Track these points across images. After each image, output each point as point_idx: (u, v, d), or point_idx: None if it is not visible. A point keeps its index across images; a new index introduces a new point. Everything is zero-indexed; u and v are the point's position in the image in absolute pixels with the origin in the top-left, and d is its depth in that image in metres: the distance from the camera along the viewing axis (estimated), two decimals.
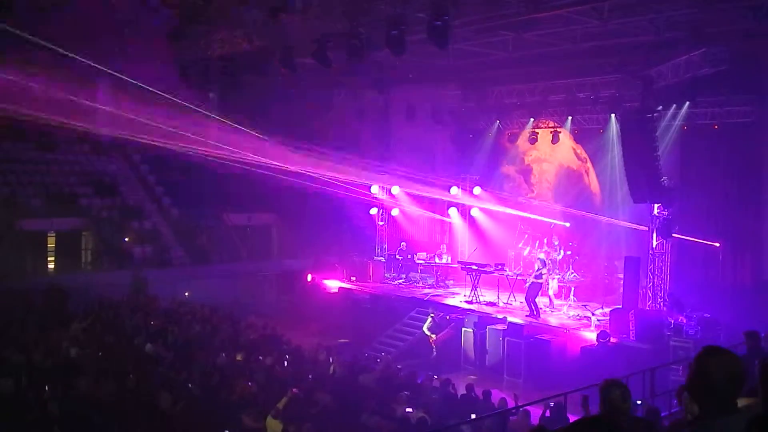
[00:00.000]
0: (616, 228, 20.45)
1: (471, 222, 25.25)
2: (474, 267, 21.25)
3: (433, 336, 18.56)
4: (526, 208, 22.66)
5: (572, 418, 10.51)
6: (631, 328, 16.84)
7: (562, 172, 22.46)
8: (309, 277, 24.99)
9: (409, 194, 25.47)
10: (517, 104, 22.22)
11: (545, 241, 21.24)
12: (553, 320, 18.80)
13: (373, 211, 26.33)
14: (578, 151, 22.07)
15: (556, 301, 20.03)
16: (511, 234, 23.36)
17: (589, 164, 21.98)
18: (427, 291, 22.83)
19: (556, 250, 21.03)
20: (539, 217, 22.23)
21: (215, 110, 26.13)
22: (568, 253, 21.02)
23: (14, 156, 26.16)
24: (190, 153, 22.05)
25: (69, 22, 16.26)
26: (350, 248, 25.79)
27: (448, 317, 18.65)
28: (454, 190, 24.92)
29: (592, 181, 21.89)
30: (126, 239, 25.03)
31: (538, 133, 22.34)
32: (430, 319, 18.79)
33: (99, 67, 18.03)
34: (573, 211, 21.68)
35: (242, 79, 19.76)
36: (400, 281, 24.58)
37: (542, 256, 19.68)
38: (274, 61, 17.90)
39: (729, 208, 19.12)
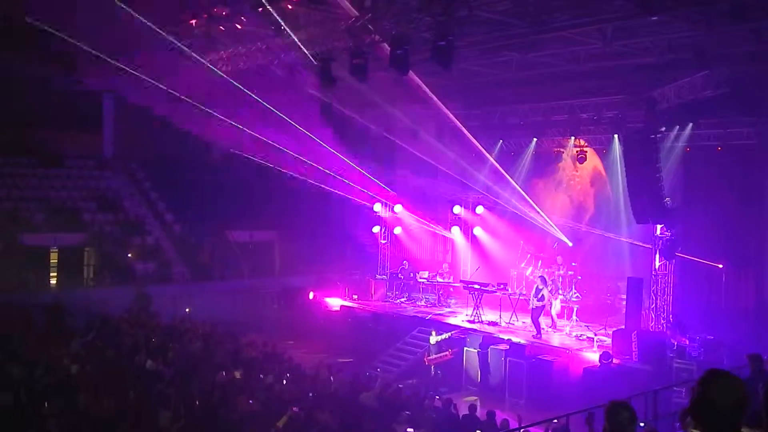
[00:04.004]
0: (619, 248, 20.41)
1: (473, 241, 25.23)
2: (476, 286, 21.19)
3: (433, 356, 18.56)
4: (529, 227, 22.61)
5: None
6: (633, 349, 16.76)
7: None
8: (311, 295, 24.94)
9: (411, 212, 25.47)
10: (521, 124, 22.27)
11: (550, 267, 21.19)
12: (556, 341, 18.72)
13: (376, 229, 26.34)
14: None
15: (558, 322, 19.96)
16: (514, 253, 23.33)
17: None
18: (427, 310, 22.75)
19: (559, 269, 20.97)
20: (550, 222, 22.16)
21: None
22: (570, 273, 20.97)
23: (18, 171, 26.27)
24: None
25: None
26: (352, 266, 25.76)
27: (449, 351, 18.59)
28: (457, 208, 24.93)
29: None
30: (129, 255, 25.04)
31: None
32: (435, 339, 18.80)
33: None
34: (577, 227, 21.66)
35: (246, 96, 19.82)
36: (402, 300, 24.50)
37: (544, 275, 19.67)
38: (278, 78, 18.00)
39: (732, 230, 19.10)
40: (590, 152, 21.62)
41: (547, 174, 22.75)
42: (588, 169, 22.08)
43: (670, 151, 18.96)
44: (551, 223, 21.91)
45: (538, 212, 21.86)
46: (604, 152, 21.36)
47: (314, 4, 15.25)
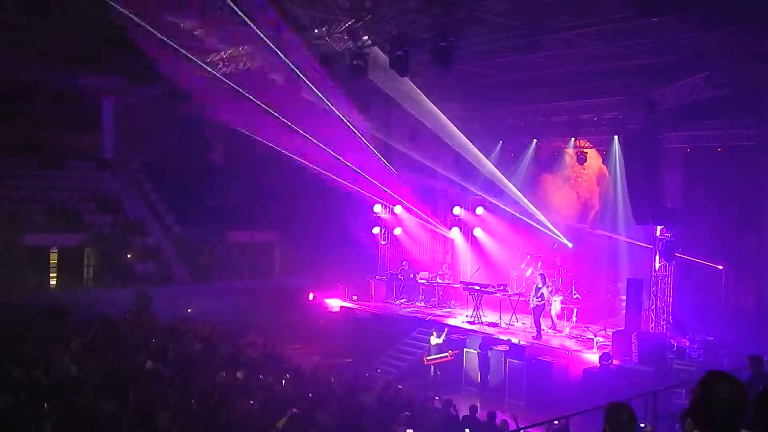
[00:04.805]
0: (619, 249, 20.41)
1: (473, 242, 25.22)
2: (476, 287, 21.19)
3: (433, 357, 18.59)
4: (529, 228, 22.60)
5: None
6: (633, 350, 16.76)
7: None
8: (311, 296, 24.94)
9: (411, 213, 25.47)
10: (521, 125, 22.26)
11: (550, 269, 21.22)
12: (555, 342, 18.72)
13: (376, 230, 26.33)
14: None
15: (558, 323, 19.95)
16: (514, 254, 23.31)
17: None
18: (427, 311, 22.73)
19: (558, 271, 20.97)
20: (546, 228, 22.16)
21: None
22: (570, 274, 20.95)
23: (18, 171, 26.29)
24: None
25: None
26: (352, 267, 25.76)
27: (450, 353, 18.63)
28: (457, 209, 24.93)
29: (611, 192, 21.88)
30: (128, 256, 25.04)
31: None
32: (435, 341, 18.85)
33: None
34: (578, 227, 21.65)
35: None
36: (402, 301, 24.50)
37: (544, 273, 19.71)
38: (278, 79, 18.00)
39: (732, 231, 19.07)
40: (594, 153, 21.67)
41: (556, 169, 22.73)
42: (594, 168, 22.12)
43: (670, 152, 18.95)
44: (551, 226, 21.88)
45: (538, 214, 21.87)
46: (604, 153, 21.35)
47: (315, 4, 15.26)
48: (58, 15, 15.47)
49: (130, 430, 10.30)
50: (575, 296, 20.54)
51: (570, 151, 22.24)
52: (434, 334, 19.11)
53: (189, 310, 22.23)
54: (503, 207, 23.13)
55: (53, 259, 24.41)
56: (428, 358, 18.77)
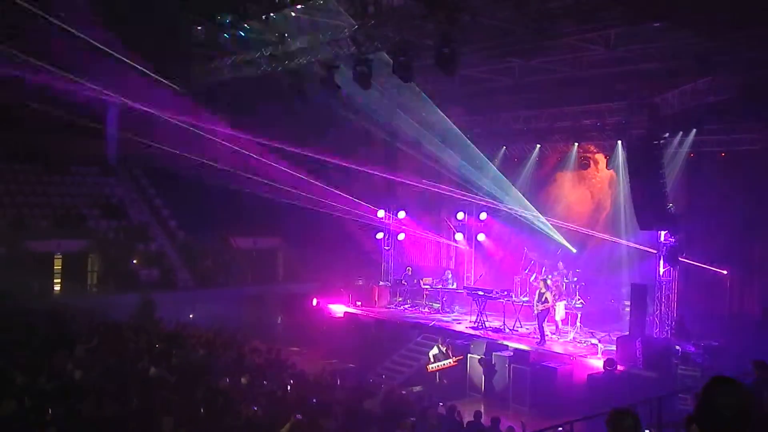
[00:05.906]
0: (622, 254, 20.37)
1: (477, 247, 25.20)
2: (480, 293, 21.16)
3: (436, 365, 18.59)
4: (532, 234, 22.59)
5: None
6: (638, 355, 16.72)
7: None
8: (314, 302, 24.93)
9: (415, 219, 25.48)
10: (524, 130, 22.27)
11: (553, 274, 21.21)
12: (560, 347, 18.68)
13: (380, 235, 26.33)
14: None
15: (562, 328, 19.91)
16: (517, 260, 23.28)
17: None
18: (431, 317, 22.71)
19: (561, 276, 20.93)
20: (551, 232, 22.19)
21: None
22: (575, 279, 20.92)
23: (23, 177, 26.35)
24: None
25: None
26: (356, 273, 25.75)
27: (454, 359, 18.64)
28: (461, 215, 24.91)
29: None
30: (135, 261, 25.05)
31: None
32: (436, 348, 18.84)
33: None
34: (582, 230, 21.62)
35: (251, 102, 19.88)
36: (406, 306, 24.48)
37: (549, 281, 19.67)
38: (283, 85, 18.02)
39: (736, 236, 19.05)
40: (602, 157, 21.66)
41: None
42: (606, 171, 22.10)
43: (673, 157, 18.94)
44: (553, 234, 21.88)
45: (540, 219, 21.89)
46: (608, 158, 21.36)
47: (318, 10, 15.29)
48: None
49: None
50: (579, 301, 20.50)
51: (578, 155, 22.27)
52: (439, 341, 19.14)
53: (191, 316, 22.24)
54: (507, 212, 23.17)
55: (57, 264, 24.44)
56: (431, 366, 18.78)
